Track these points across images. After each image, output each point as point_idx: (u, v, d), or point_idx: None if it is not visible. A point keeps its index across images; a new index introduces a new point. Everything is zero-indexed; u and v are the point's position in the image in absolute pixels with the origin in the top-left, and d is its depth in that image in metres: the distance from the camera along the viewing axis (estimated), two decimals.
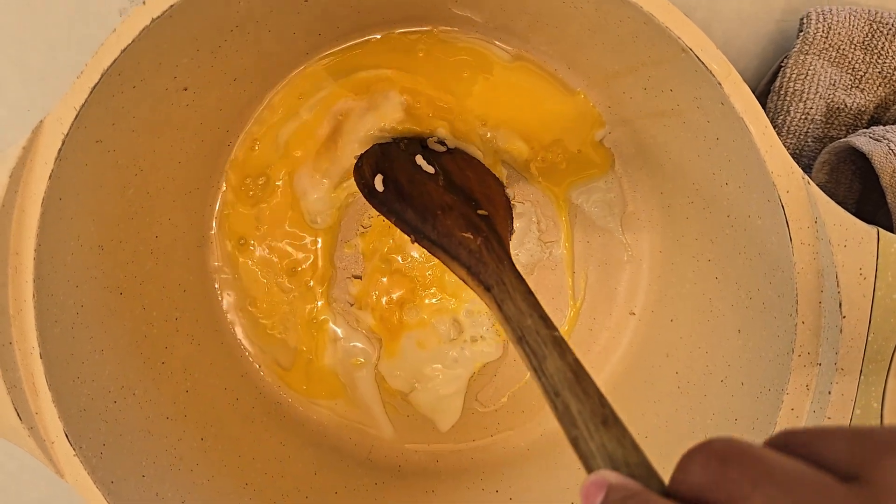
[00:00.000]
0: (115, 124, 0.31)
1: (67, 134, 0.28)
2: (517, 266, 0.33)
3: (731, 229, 0.33)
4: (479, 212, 0.36)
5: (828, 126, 0.42)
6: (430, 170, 0.37)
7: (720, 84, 0.27)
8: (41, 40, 0.44)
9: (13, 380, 0.29)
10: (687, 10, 0.45)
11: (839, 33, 0.41)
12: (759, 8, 0.44)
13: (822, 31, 0.41)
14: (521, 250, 0.42)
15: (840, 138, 0.42)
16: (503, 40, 0.40)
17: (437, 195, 0.36)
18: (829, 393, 0.28)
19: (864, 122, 0.42)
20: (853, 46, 0.41)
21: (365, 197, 0.38)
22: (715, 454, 0.16)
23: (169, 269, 0.38)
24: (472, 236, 0.34)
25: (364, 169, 0.38)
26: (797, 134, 0.42)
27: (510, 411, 0.43)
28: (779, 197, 0.28)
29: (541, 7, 0.33)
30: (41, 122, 0.29)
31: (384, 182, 0.37)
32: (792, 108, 0.41)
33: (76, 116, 0.28)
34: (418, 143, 0.40)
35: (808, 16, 0.41)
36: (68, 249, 0.31)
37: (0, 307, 0.29)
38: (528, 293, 0.30)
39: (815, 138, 0.42)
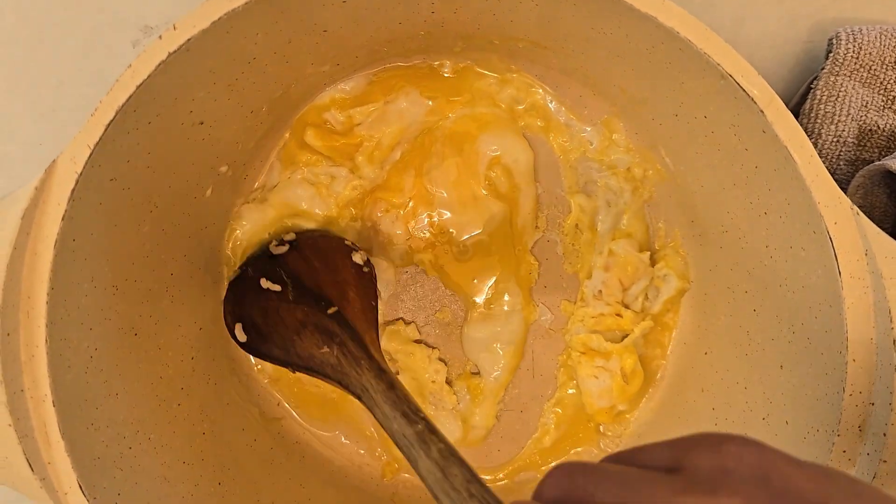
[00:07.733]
0: (129, 161, 0.30)
1: (81, 173, 0.27)
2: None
3: (771, 260, 0.32)
4: (330, 311, 0.36)
5: (860, 148, 0.41)
6: (277, 288, 0.37)
7: (762, 112, 0.26)
8: (52, 74, 0.43)
9: (25, 429, 0.28)
10: None
11: (870, 53, 0.40)
12: (786, 29, 0.43)
13: (853, 51, 0.40)
14: None
15: (873, 160, 0.41)
16: (525, 68, 0.39)
17: (290, 317, 0.37)
18: (885, 435, 0.27)
19: None
20: (885, 66, 0.40)
21: (241, 347, 0.38)
22: (562, 472, 0.20)
23: (185, 307, 0.37)
24: (328, 350, 0.35)
25: (227, 320, 0.38)
26: (829, 157, 0.40)
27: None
28: (826, 228, 0.26)
29: (567, 32, 0.32)
30: (54, 161, 0.28)
31: (244, 329, 0.37)
32: (823, 131, 0.40)
33: (90, 155, 0.27)
34: (264, 257, 0.39)
35: (837, 36, 0.40)
36: (82, 291, 0.30)
37: (11, 353, 0.28)
38: (389, 390, 0.31)
39: (847, 161, 0.41)
